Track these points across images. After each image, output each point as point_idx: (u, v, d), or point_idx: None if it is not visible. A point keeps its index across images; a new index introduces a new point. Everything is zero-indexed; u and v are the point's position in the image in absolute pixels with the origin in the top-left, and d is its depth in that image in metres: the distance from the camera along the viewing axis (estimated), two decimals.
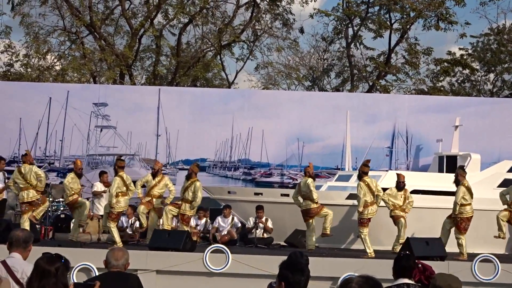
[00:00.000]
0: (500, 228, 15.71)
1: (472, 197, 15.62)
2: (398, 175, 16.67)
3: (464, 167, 16.65)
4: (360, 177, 15.80)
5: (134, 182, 16.19)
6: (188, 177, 16.17)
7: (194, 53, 34.47)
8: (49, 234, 16.89)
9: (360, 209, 15.44)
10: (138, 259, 13.29)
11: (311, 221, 15.82)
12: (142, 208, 15.98)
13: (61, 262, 4.86)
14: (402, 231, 15.76)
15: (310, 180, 15.90)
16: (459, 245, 15.53)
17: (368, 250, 15.27)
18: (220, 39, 33.48)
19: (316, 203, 15.73)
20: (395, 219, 16.00)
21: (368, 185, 15.47)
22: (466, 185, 15.67)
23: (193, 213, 16.08)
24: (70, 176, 16.02)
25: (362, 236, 15.41)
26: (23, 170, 15.44)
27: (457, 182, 15.83)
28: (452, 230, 15.70)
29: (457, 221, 15.62)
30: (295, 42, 36.01)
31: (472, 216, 15.58)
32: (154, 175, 16.21)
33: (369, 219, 15.44)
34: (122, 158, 16.62)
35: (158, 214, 16.26)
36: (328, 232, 15.77)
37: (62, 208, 18.65)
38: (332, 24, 36.93)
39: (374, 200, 15.52)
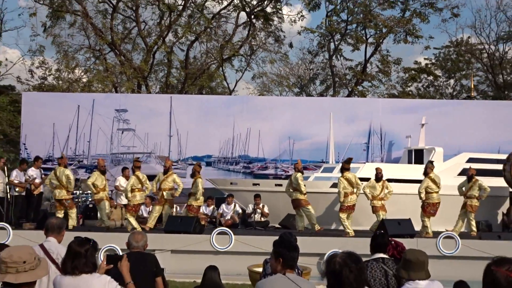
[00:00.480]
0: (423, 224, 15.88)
1: (438, 187, 15.67)
2: (376, 168, 16.67)
3: (433, 162, 16.70)
4: (342, 172, 15.84)
5: (150, 177, 16.20)
6: (192, 175, 16.20)
7: (200, 65, 34.50)
8: (79, 221, 16.89)
9: (341, 200, 15.51)
10: (155, 241, 13.34)
11: (299, 209, 15.91)
12: (157, 208, 15.94)
13: (89, 244, 4.89)
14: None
15: (299, 175, 15.97)
16: (424, 226, 15.61)
17: (348, 230, 15.30)
18: (222, 54, 33.50)
19: (304, 194, 15.79)
20: (374, 210, 16.05)
21: (348, 179, 15.52)
22: (432, 177, 15.72)
23: (199, 203, 16.04)
24: (95, 175, 16.07)
25: (341, 219, 15.46)
26: (58, 172, 15.51)
27: (425, 174, 15.89)
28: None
29: (424, 206, 15.69)
30: (285, 55, 36.11)
31: (438, 203, 15.62)
32: (165, 172, 16.15)
33: (348, 206, 15.47)
34: (139, 158, 16.58)
35: (170, 205, 16.24)
36: (318, 227, 15.86)
37: (90, 199, 18.64)
38: (317, 40, 37.07)
39: (353, 191, 15.56)
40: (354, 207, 15.59)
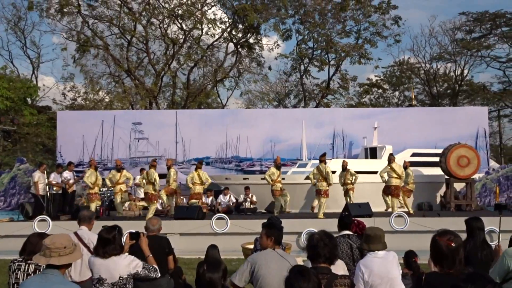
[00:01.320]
0: (385, 202, 15.76)
1: (398, 175, 15.53)
2: (343, 161, 16.74)
3: (392, 154, 16.65)
4: (320, 163, 15.74)
5: (161, 175, 16.06)
6: (195, 169, 16.15)
7: (199, 86, 34.49)
8: (106, 212, 16.76)
9: (313, 184, 15.45)
10: (167, 225, 13.22)
11: (278, 197, 15.88)
12: (162, 192, 15.74)
13: (115, 230, 4.85)
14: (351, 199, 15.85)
15: (273, 170, 15.97)
16: (393, 207, 15.42)
17: (320, 212, 15.23)
18: (215, 76, 33.53)
19: (275, 186, 15.77)
20: (345, 194, 16.13)
21: (319, 169, 15.43)
22: (392, 166, 15.63)
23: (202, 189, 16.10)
24: (112, 173, 16.04)
25: (321, 202, 15.37)
26: (88, 173, 15.51)
27: (388, 162, 15.84)
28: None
29: (390, 189, 15.62)
30: (265, 76, 36.28)
31: (398, 186, 15.54)
32: (168, 169, 16.03)
33: (320, 190, 15.30)
34: (156, 159, 16.46)
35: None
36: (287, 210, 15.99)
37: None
38: (290, 63, 37.30)
39: (321, 178, 15.41)
40: (327, 193, 15.40)
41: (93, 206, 15.15)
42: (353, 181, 16.19)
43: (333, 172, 16.34)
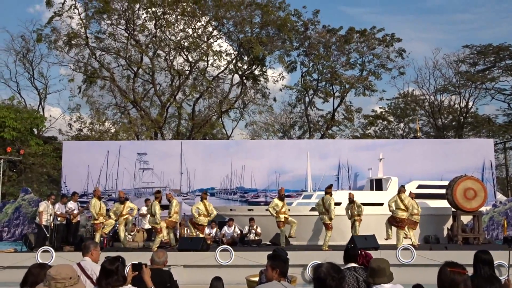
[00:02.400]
0: (387, 231, 15.62)
1: (405, 206, 15.47)
2: (349, 193, 16.63)
3: (404, 186, 16.55)
4: (325, 194, 15.71)
5: (165, 206, 16.04)
6: (201, 200, 16.10)
7: (204, 117, 34.63)
8: (109, 243, 16.67)
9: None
10: (170, 257, 13.08)
11: (282, 228, 15.77)
12: (162, 223, 15.68)
13: (119, 261, 4.80)
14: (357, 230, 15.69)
15: (274, 202, 15.95)
16: (398, 239, 15.29)
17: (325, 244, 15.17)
18: (220, 107, 33.71)
19: (279, 217, 15.70)
20: (352, 225, 15.97)
21: (322, 200, 15.45)
22: (401, 197, 15.57)
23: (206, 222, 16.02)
24: (115, 206, 15.99)
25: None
26: (93, 202, 15.48)
27: (398, 193, 15.78)
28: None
29: (396, 221, 15.51)
30: (270, 107, 36.39)
31: (405, 219, 15.46)
32: (169, 201, 16.00)
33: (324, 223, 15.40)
34: (160, 191, 16.43)
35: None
36: (293, 235, 15.90)
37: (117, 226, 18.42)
38: (295, 94, 37.53)
39: (326, 210, 15.43)
40: (329, 226, 15.38)
41: (97, 236, 15.10)
42: (359, 213, 16.05)
43: (339, 204, 16.26)
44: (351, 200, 16.21)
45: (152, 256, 6.17)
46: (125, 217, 15.91)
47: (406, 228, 15.56)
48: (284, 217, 15.82)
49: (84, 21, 31.67)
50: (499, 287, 5.18)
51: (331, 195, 15.50)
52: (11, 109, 32.14)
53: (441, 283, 3.66)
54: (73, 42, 31.49)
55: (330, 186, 15.92)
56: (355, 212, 16.03)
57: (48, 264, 4.87)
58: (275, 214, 15.76)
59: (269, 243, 16.93)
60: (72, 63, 32.76)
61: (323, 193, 16.31)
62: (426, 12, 63.07)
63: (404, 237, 15.38)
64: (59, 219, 16.21)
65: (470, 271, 5.24)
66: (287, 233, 16.01)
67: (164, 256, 6.17)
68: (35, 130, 34.67)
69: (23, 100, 37.23)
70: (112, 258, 4.85)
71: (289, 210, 16.44)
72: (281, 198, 16.07)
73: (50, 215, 16.14)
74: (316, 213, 16.34)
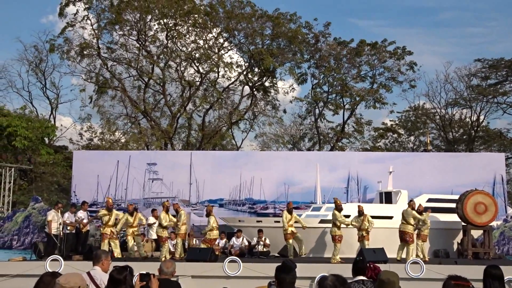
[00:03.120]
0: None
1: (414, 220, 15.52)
2: (358, 206, 16.46)
3: (413, 200, 16.47)
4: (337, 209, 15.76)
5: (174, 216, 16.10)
6: (207, 215, 16.06)
7: (214, 128, 34.75)
8: None
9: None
10: (179, 268, 13.07)
11: (289, 240, 15.76)
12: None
13: (127, 271, 4.82)
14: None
15: (284, 215, 15.91)
16: (408, 253, 15.27)
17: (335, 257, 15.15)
18: (230, 119, 33.81)
19: (286, 230, 15.68)
20: (360, 240, 15.85)
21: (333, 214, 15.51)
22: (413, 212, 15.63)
23: (215, 236, 15.91)
24: (125, 217, 15.96)
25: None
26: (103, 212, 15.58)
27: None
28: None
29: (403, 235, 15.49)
30: (280, 119, 36.45)
31: (412, 233, 15.44)
32: (176, 212, 16.05)
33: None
34: (168, 200, 16.49)
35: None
36: (303, 253, 15.83)
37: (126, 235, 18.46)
38: (305, 106, 37.51)
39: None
40: (337, 238, 15.50)
41: (104, 245, 15.15)
42: (369, 228, 15.86)
43: (347, 216, 16.18)
44: (361, 213, 16.07)
45: (161, 266, 6.16)
46: (135, 228, 15.96)
47: (415, 242, 15.48)
48: (292, 230, 15.79)
49: (96, 31, 32.04)
50: None
51: (337, 209, 15.59)
52: (23, 118, 32.47)
53: None
54: (85, 52, 31.84)
55: (334, 201, 15.97)
56: (365, 227, 15.83)
57: (59, 272, 4.91)
58: (286, 226, 15.75)
59: (278, 255, 16.88)
60: (84, 73, 33.15)
61: (331, 205, 16.28)
62: (438, 25, 63.10)
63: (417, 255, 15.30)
64: (68, 228, 16.26)
65: (480, 286, 5.21)
66: (298, 250, 15.93)
67: (173, 266, 6.17)
68: (46, 139, 34.97)
69: (34, 110, 37.69)
70: (120, 267, 4.87)
71: (296, 222, 16.41)
72: (290, 212, 16.06)
73: (60, 224, 16.21)
74: (325, 225, 16.31)
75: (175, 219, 15.60)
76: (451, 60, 77.30)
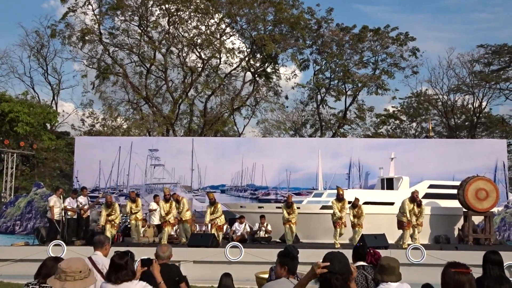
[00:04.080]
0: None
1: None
2: (355, 198, 16.30)
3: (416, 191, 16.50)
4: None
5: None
6: (213, 203, 16.19)
7: (216, 114, 34.67)
8: (119, 238, 16.80)
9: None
10: (181, 253, 13.22)
11: (287, 226, 16.06)
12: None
13: (128, 256, 4.83)
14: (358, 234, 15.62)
15: (282, 206, 16.39)
16: (403, 237, 15.51)
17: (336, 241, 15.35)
18: (232, 105, 33.73)
19: (287, 219, 16.07)
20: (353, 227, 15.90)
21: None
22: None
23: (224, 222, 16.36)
24: (128, 203, 16.19)
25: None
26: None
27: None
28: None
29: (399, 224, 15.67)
30: (282, 105, 36.33)
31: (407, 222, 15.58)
32: (177, 202, 16.31)
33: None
34: (168, 188, 16.77)
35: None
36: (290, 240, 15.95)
37: (128, 221, 18.57)
38: (307, 93, 37.40)
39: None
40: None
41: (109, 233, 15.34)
42: (360, 217, 15.86)
43: (349, 202, 16.25)
44: (355, 205, 16.01)
45: (157, 251, 6.18)
46: (138, 214, 16.14)
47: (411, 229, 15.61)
48: (289, 219, 16.14)
49: (97, 17, 31.87)
50: None
51: (337, 198, 15.75)
52: (25, 104, 32.45)
53: (446, 285, 3.63)
54: (86, 38, 31.71)
55: (337, 190, 16.14)
56: (357, 215, 15.85)
57: (61, 257, 4.94)
58: (287, 216, 16.05)
59: (279, 241, 16.97)
60: (86, 59, 33.05)
61: (333, 191, 16.38)
62: (443, 11, 62.58)
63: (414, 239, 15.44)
64: (69, 213, 16.35)
65: (480, 272, 5.23)
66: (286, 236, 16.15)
67: (169, 250, 6.18)
68: (48, 125, 34.98)
69: (36, 95, 37.65)
70: (121, 252, 4.88)
71: (298, 208, 16.59)
72: (288, 206, 16.32)
73: (62, 209, 16.29)
74: (326, 211, 16.41)
75: (174, 208, 15.82)
76: (456, 46, 76.65)
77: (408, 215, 15.44)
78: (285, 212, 16.23)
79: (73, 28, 32.09)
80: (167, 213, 15.78)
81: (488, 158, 22.17)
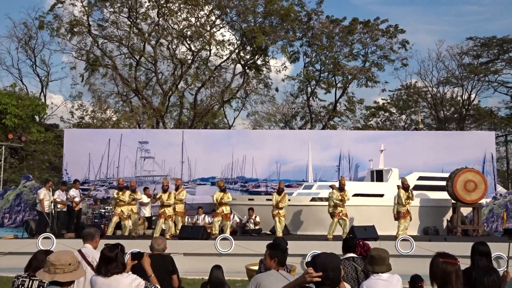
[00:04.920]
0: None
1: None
2: (341, 180, 16.53)
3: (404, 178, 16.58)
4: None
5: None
6: (223, 191, 16.25)
7: (206, 106, 34.57)
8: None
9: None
10: (171, 245, 13.17)
11: (276, 218, 15.96)
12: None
13: (118, 249, 4.82)
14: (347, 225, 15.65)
15: (274, 195, 16.19)
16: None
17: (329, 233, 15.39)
18: (222, 97, 33.67)
19: (280, 208, 15.93)
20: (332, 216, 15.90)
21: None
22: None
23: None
24: (115, 192, 16.15)
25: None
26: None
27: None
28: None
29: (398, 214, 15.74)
30: (272, 97, 36.29)
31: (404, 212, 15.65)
32: (177, 188, 16.38)
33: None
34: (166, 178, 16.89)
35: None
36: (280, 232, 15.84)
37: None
38: (297, 85, 37.47)
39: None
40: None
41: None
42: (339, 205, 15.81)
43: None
44: (342, 188, 15.75)
45: (152, 243, 6.25)
46: (133, 207, 16.19)
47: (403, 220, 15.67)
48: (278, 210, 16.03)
49: (86, 8, 31.57)
50: (497, 279, 5.21)
51: (339, 187, 15.71)
52: (13, 96, 32.15)
53: (434, 274, 3.70)
54: (75, 29, 31.40)
55: (340, 180, 16.10)
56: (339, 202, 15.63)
57: (51, 250, 4.91)
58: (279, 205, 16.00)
59: (269, 233, 17.02)
60: (74, 51, 32.72)
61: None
62: (433, 3, 62.70)
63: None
64: (59, 206, 16.28)
65: (468, 262, 5.28)
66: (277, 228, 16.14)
67: (163, 243, 6.27)
68: (37, 117, 34.71)
69: (25, 87, 37.28)
70: (111, 245, 4.88)
71: (289, 200, 16.54)
72: (279, 192, 16.20)
73: (51, 202, 16.21)
74: (316, 203, 16.46)
75: (172, 198, 15.82)
76: (446, 38, 76.97)
77: (404, 203, 15.47)
78: (274, 198, 16.06)
79: (61, 19, 31.77)
80: (166, 205, 15.76)
81: (477, 150, 22.32)
